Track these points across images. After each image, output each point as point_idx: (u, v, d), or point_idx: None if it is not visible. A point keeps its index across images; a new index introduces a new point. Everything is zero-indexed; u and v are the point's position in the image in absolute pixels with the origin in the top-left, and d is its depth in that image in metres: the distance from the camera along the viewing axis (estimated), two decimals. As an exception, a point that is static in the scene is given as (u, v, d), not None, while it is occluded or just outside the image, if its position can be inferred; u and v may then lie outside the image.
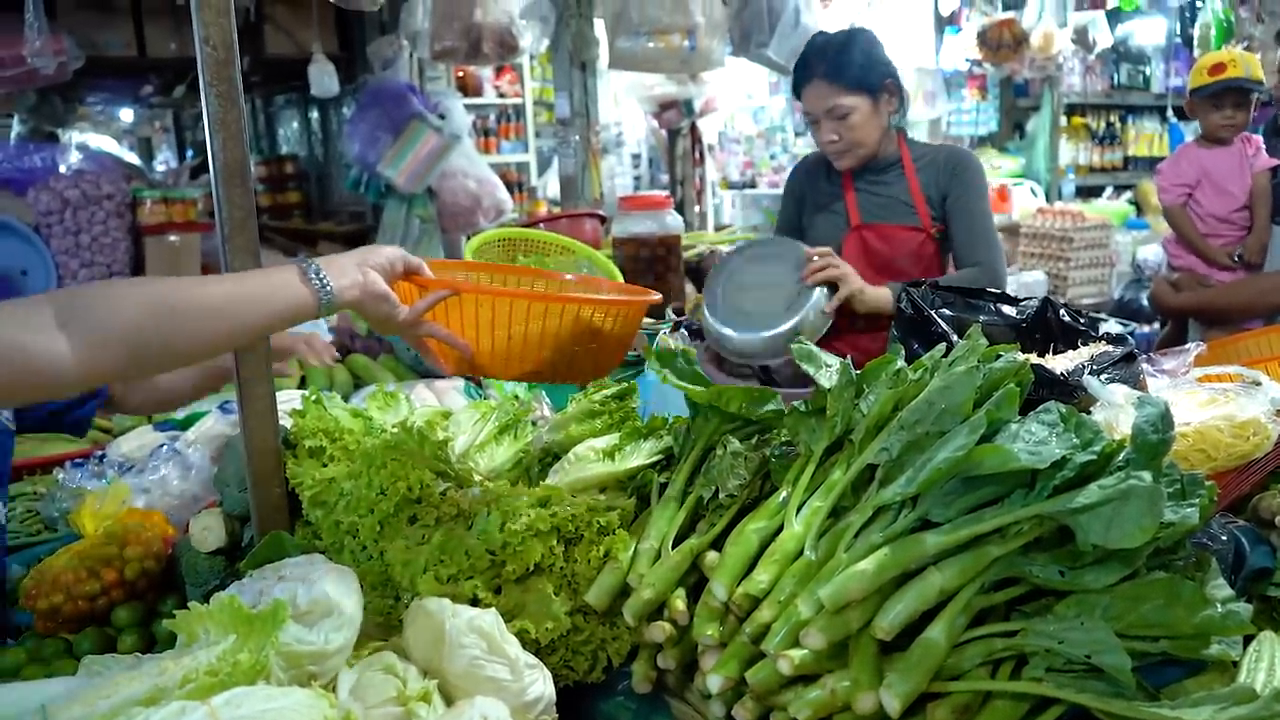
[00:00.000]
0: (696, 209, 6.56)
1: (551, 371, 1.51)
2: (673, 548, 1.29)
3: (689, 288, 3.43)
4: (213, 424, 2.16)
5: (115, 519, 1.78)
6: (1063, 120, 7.38)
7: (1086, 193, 7.54)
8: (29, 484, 2.25)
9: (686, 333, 2.43)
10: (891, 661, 1.08)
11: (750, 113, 8.75)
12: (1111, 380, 1.52)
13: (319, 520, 1.47)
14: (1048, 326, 1.84)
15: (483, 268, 1.78)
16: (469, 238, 4.53)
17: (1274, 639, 1.13)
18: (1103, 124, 7.76)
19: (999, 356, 1.31)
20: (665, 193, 4.10)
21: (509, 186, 5.99)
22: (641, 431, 1.55)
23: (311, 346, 1.87)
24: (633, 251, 3.15)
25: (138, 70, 6.48)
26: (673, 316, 2.91)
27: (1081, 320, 1.83)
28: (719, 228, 7.05)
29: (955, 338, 1.68)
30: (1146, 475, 1.04)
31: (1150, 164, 7.59)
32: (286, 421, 1.61)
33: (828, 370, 1.38)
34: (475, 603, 1.23)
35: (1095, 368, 1.57)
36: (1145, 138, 7.85)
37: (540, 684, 1.13)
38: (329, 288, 1.22)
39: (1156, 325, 4.61)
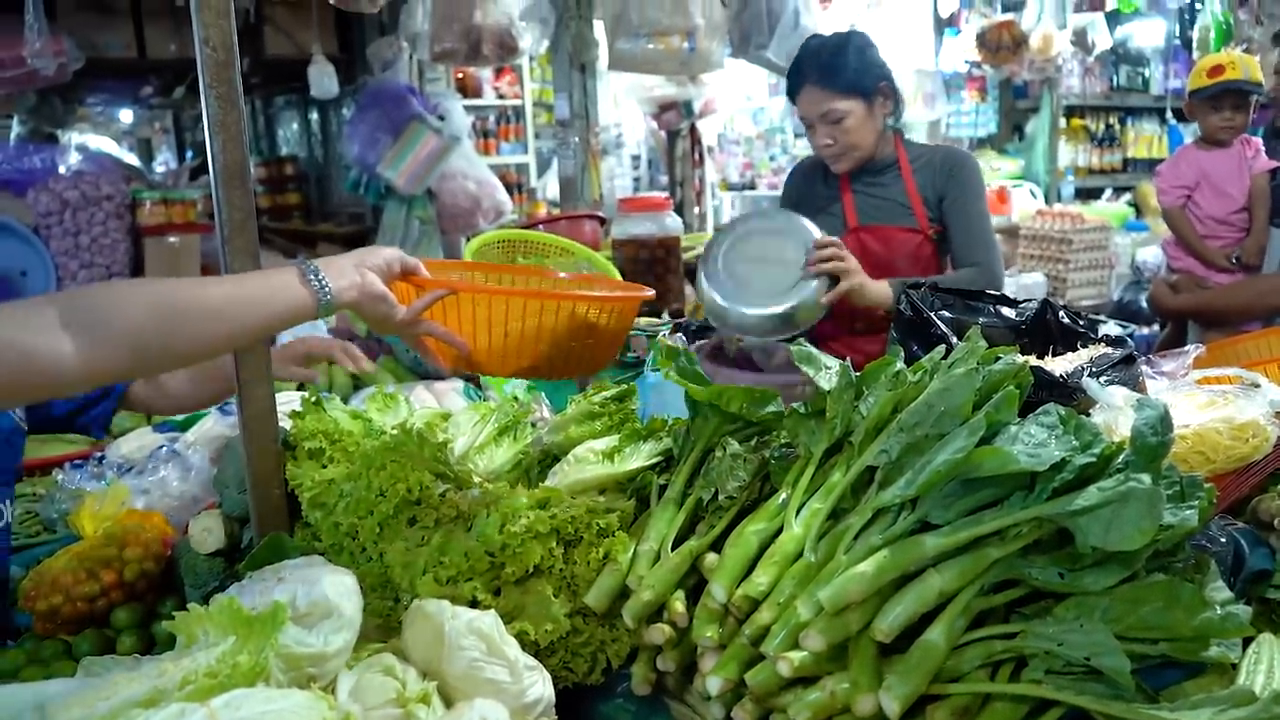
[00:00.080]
0: (696, 210, 6.56)
1: (548, 367, 1.53)
2: (672, 549, 1.29)
3: (688, 289, 3.43)
4: (212, 425, 2.16)
5: (114, 520, 1.78)
6: (1062, 122, 7.38)
7: (1086, 194, 7.54)
8: (28, 485, 2.25)
9: (685, 335, 2.43)
10: (891, 663, 1.08)
11: (749, 114, 8.76)
12: (1111, 382, 1.52)
13: (318, 522, 1.47)
14: (1047, 328, 1.84)
15: (479, 267, 1.81)
16: (468, 239, 4.53)
17: (1273, 641, 1.13)
18: (1102, 126, 7.77)
19: (998, 359, 1.31)
20: (665, 194, 4.11)
21: (508, 188, 5.99)
22: (641, 433, 1.55)
23: (348, 352, 1.86)
24: (632, 253, 3.15)
25: (137, 71, 6.48)
26: (669, 318, 2.91)
27: (1081, 322, 1.83)
28: (718, 229, 7.04)
29: (955, 340, 1.68)
30: (1146, 478, 1.04)
31: (1149, 166, 7.59)
32: (286, 423, 1.61)
33: (827, 372, 1.38)
34: (475, 604, 1.23)
35: (1094, 370, 1.57)
36: (1144, 139, 7.86)
37: (540, 686, 1.13)
38: (328, 289, 1.23)
39: (1156, 327, 4.61)
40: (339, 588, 1.10)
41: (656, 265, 3.06)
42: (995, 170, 7.08)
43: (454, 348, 1.44)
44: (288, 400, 1.95)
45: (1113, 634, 1.02)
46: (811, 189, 2.66)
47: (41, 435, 2.25)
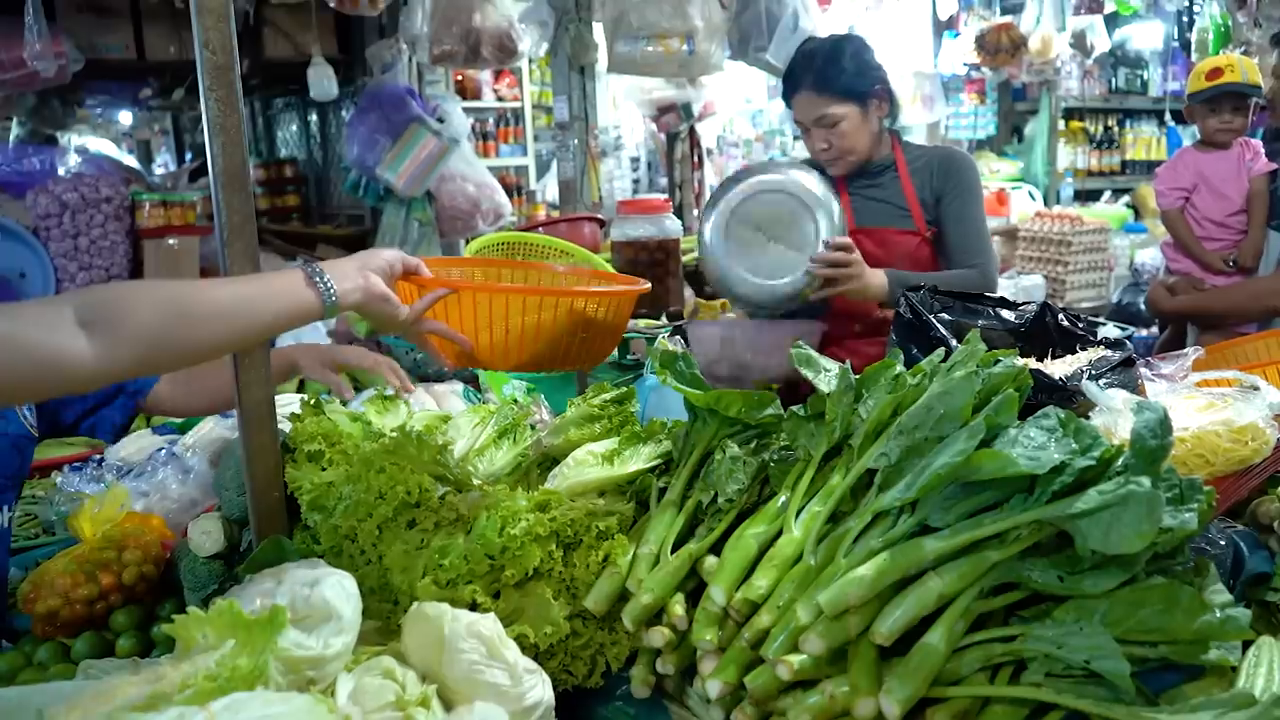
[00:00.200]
0: (695, 212, 6.55)
1: (549, 360, 1.56)
2: (671, 552, 1.29)
3: (687, 291, 3.44)
4: (211, 428, 2.15)
5: (113, 523, 1.77)
6: (1061, 124, 7.39)
7: (1084, 196, 7.55)
8: (27, 487, 2.25)
9: (684, 339, 2.43)
10: (890, 667, 1.08)
11: (749, 116, 8.77)
12: (1110, 385, 1.52)
13: (317, 524, 1.47)
14: (1046, 331, 1.84)
15: (477, 263, 1.83)
16: (468, 241, 4.53)
17: (1273, 644, 1.13)
18: (1101, 128, 7.77)
19: (998, 361, 1.31)
20: (664, 196, 4.10)
21: (508, 190, 5.99)
22: (640, 436, 1.55)
23: (394, 371, 1.86)
24: (631, 255, 3.15)
25: (137, 73, 6.47)
26: (668, 320, 2.91)
27: (1080, 325, 1.83)
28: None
29: (954, 342, 1.68)
30: (1145, 480, 1.04)
31: (1148, 168, 7.60)
32: (285, 426, 1.61)
33: (826, 375, 1.38)
34: (474, 607, 1.23)
35: (1094, 372, 1.57)
36: (1143, 142, 7.86)
37: (539, 689, 1.13)
38: (332, 291, 1.27)
39: (1155, 329, 4.62)
40: (338, 591, 1.10)
41: (656, 267, 3.05)
42: (994, 172, 7.09)
43: (457, 344, 1.48)
44: (287, 403, 1.96)
45: (1112, 637, 1.02)
46: None
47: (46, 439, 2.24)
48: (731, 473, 1.35)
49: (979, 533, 1.11)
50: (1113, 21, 7.03)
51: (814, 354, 1.43)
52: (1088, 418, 1.38)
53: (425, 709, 1.04)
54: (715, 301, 3.67)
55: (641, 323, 2.76)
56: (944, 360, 1.35)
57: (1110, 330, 1.79)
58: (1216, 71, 3.50)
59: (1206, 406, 1.45)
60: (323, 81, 5.26)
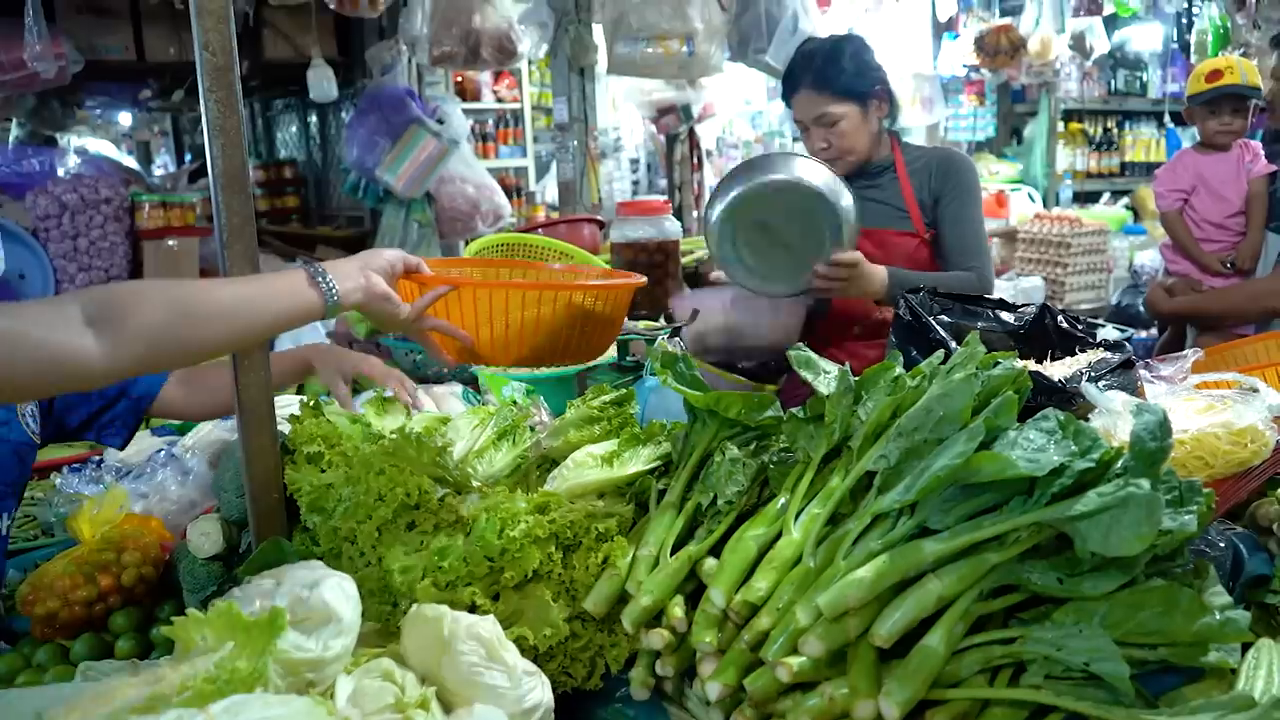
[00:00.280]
0: (695, 214, 6.55)
1: (549, 354, 1.59)
2: (671, 554, 1.29)
3: (687, 292, 3.43)
4: (210, 429, 2.16)
5: (113, 524, 1.78)
6: (1060, 126, 7.39)
7: (1084, 198, 7.55)
8: (26, 488, 2.25)
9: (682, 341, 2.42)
10: (890, 669, 1.08)
11: (748, 118, 8.77)
12: (1109, 387, 1.52)
13: (317, 526, 1.47)
14: (1045, 333, 1.84)
15: (476, 263, 1.85)
16: (467, 243, 4.53)
17: (1272, 646, 1.13)
18: (1100, 130, 7.77)
19: (997, 363, 1.31)
20: (663, 198, 4.10)
21: (507, 191, 5.99)
22: (640, 438, 1.55)
23: (403, 384, 1.86)
24: (630, 257, 3.15)
25: (136, 74, 6.47)
26: (667, 322, 2.90)
27: (1079, 326, 1.83)
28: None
29: (953, 344, 1.68)
30: (1145, 483, 1.04)
31: (1147, 170, 7.60)
32: (284, 427, 1.61)
33: (826, 377, 1.38)
34: (473, 609, 1.23)
35: (1093, 374, 1.57)
36: (1142, 143, 7.86)
37: (538, 691, 1.12)
38: (334, 290, 1.29)
39: (1154, 331, 4.62)
40: (337, 592, 1.10)
41: (655, 269, 3.05)
42: (993, 174, 7.09)
43: (458, 341, 1.50)
44: (286, 404, 1.95)
45: (1112, 639, 1.02)
46: None
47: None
48: (731, 474, 1.35)
49: (978, 535, 1.11)
50: (1112, 23, 7.04)
51: (813, 356, 1.43)
52: (1087, 420, 1.38)
53: (424, 711, 1.04)
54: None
55: (641, 324, 2.76)
56: (943, 362, 1.35)
57: (1109, 332, 1.79)
58: (1216, 74, 3.50)
59: (1206, 409, 1.45)
60: (322, 83, 5.26)
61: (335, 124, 6.86)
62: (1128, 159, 7.86)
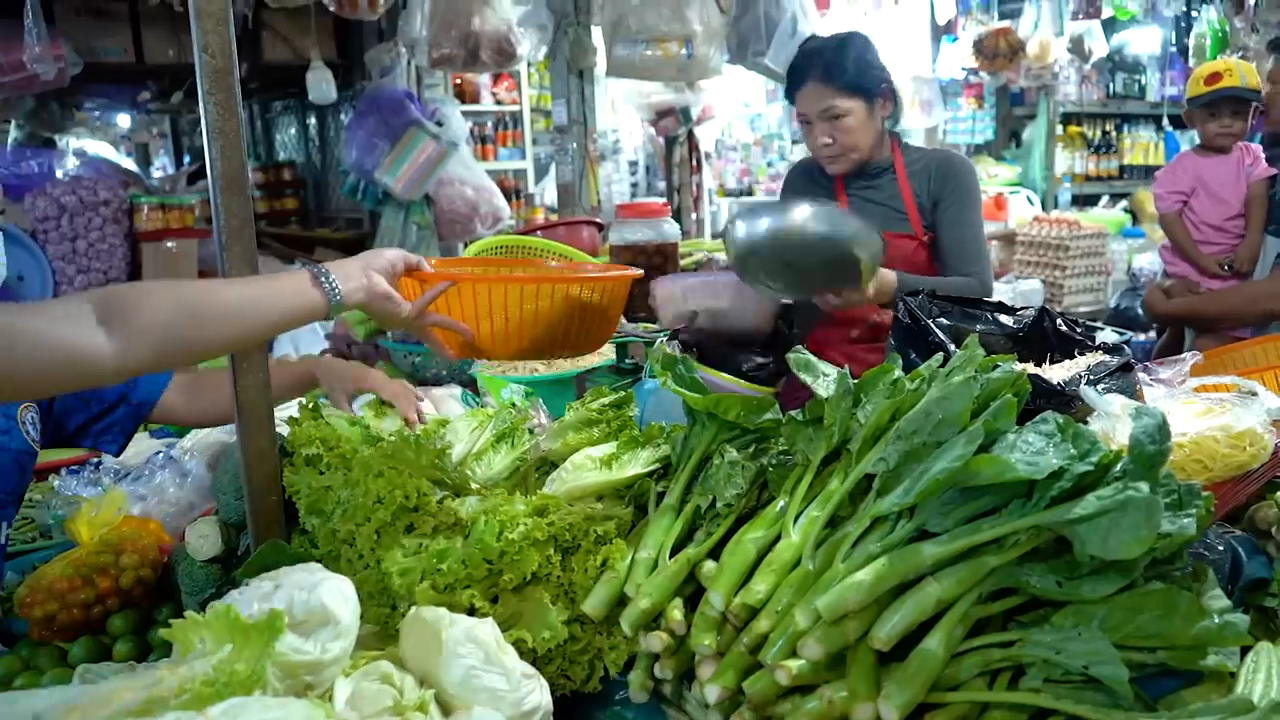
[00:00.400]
0: (693, 216, 6.55)
1: (549, 346, 1.61)
2: (670, 557, 1.29)
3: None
4: (209, 432, 2.15)
5: (111, 526, 1.77)
6: (1059, 129, 7.39)
7: (1082, 201, 7.55)
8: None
9: (680, 345, 2.42)
10: (889, 672, 1.08)
11: (747, 120, 8.78)
12: (1108, 390, 1.52)
13: (315, 528, 1.46)
14: (1044, 336, 1.85)
15: (475, 263, 1.86)
16: (466, 245, 4.53)
17: (1271, 649, 1.13)
18: (1098, 133, 7.78)
19: (996, 366, 1.31)
20: (662, 200, 4.10)
21: (506, 193, 5.99)
22: (639, 440, 1.55)
23: (409, 400, 1.85)
24: (629, 259, 3.15)
25: (135, 76, 6.47)
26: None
27: (1078, 329, 1.83)
28: (716, 235, 7.05)
29: (952, 347, 1.68)
30: (1144, 486, 1.04)
31: (1146, 173, 7.61)
32: (283, 429, 1.61)
33: (825, 380, 1.38)
34: (472, 612, 1.23)
35: (1092, 378, 1.57)
36: (1141, 146, 7.86)
37: (537, 694, 1.12)
38: (337, 290, 1.32)
39: (1153, 333, 4.62)
40: (336, 595, 1.10)
41: (654, 271, 3.05)
42: (992, 177, 7.09)
43: (460, 335, 1.52)
44: (284, 407, 1.95)
45: (1111, 642, 1.02)
46: (809, 190, 2.65)
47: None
48: (730, 477, 1.35)
49: (977, 538, 1.11)
50: (1110, 26, 7.04)
51: (812, 359, 1.43)
52: (1086, 423, 1.38)
53: (423, 714, 1.04)
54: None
55: (639, 326, 2.76)
56: (942, 365, 1.35)
57: (1108, 335, 1.79)
58: (1215, 76, 3.51)
59: (1205, 412, 1.46)
60: (321, 85, 5.27)
61: (334, 126, 6.86)
62: (1126, 162, 7.87)
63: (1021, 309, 1.93)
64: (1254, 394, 1.48)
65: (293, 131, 7.66)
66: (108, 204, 4.49)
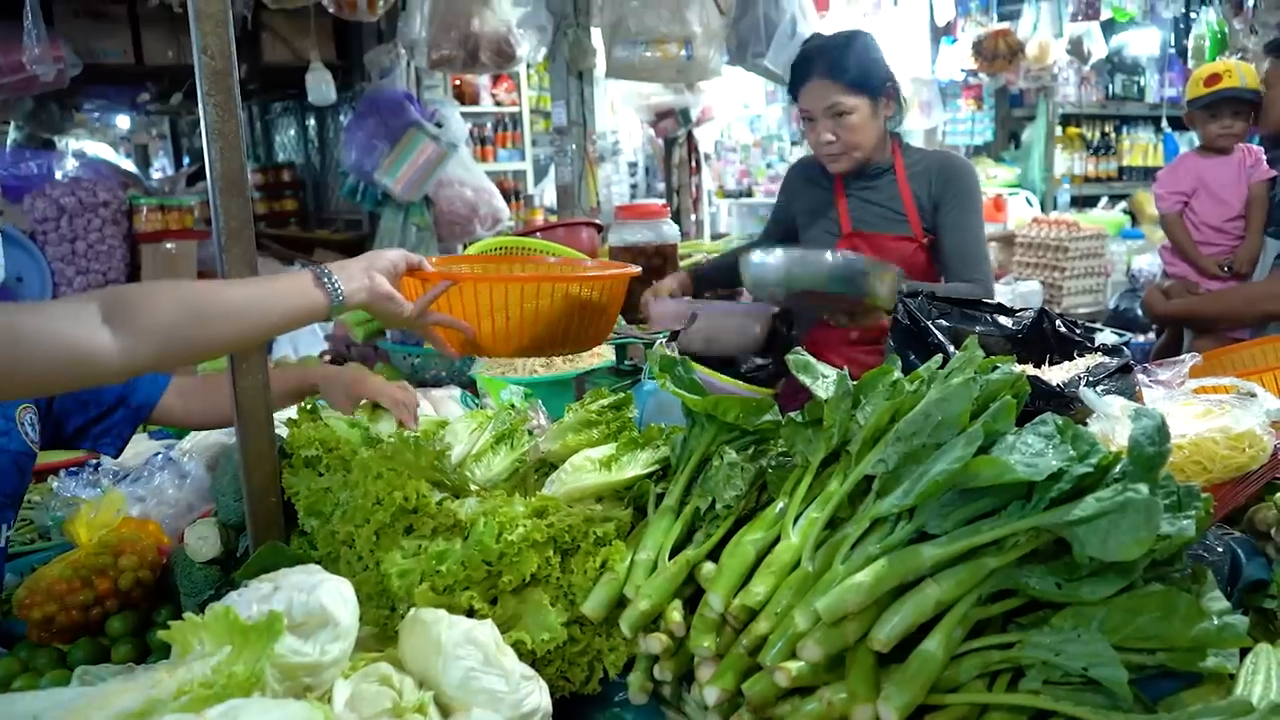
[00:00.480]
0: (693, 218, 6.55)
1: (549, 343, 1.63)
2: (669, 559, 1.29)
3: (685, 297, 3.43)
4: (208, 433, 2.15)
5: (110, 528, 1.77)
6: (1058, 130, 7.39)
7: (1081, 203, 7.56)
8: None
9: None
10: (888, 674, 1.08)
11: (746, 122, 8.78)
12: (1107, 392, 1.52)
13: (315, 530, 1.46)
14: (1044, 337, 1.84)
15: (476, 260, 1.89)
16: (466, 246, 4.52)
17: (1270, 651, 1.13)
18: (1098, 134, 7.78)
19: (995, 368, 1.31)
20: (661, 201, 4.10)
21: (506, 195, 5.99)
22: (638, 442, 1.55)
23: (407, 407, 1.84)
24: (629, 260, 3.15)
25: (135, 78, 6.47)
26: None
27: (1077, 331, 1.83)
28: (715, 237, 7.06)
29: (952, 349, 1.68)
30: (1143, 487, 1.04)
31: (1145, 174, 7.61)
32: (282, 431, 1.61)
33: (824, 381, 1.38)
34: (471, 614, 1.23)
35: (1091, 379, 1.57)
36: (1140, 148, 7.87)
37: (536, 695, 1.12)
38: (339, 290, 1.33)
39: (1152, 335, 4.62)
40: (335, 597, 1.10)
41: (653, 273, 3.05)
42: (991, 178, 7.09)
43: (461, 334, 1.53)
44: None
45: (1110, 644, 1.02)
46: (808, 190, 2.65)
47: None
48: (729, 479, 1.35)
49: (977, 539, 1.11)
50: (1109, 28, 7.04)
51: (812, 360, 1.43)
52: (1085, 424, 1.38)
53: (422, 715, 1.04)
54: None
55: (638, 328, 2.76)
56: (942, 367, 1.35)
57: (1107, 336, 1.79)
58: (1215, 77, 3.51)
59: (1204, 413, 1.45)
60: (321, 86, 5.26)
61: (334, 127, 6.86)
62: (1125, 163, 7.87)
63: (1020, 310, 1.93)
64: (1253, 395, 1.48)
65: (292, 133, 7.67)
66: (107, 205, 4.49)
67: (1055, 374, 1.67)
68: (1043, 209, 7.07)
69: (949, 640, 1.07)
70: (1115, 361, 1.64)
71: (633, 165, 8.20)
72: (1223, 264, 3.52)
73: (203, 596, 1.54)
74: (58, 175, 4.63)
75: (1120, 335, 1.83)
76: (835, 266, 2.16)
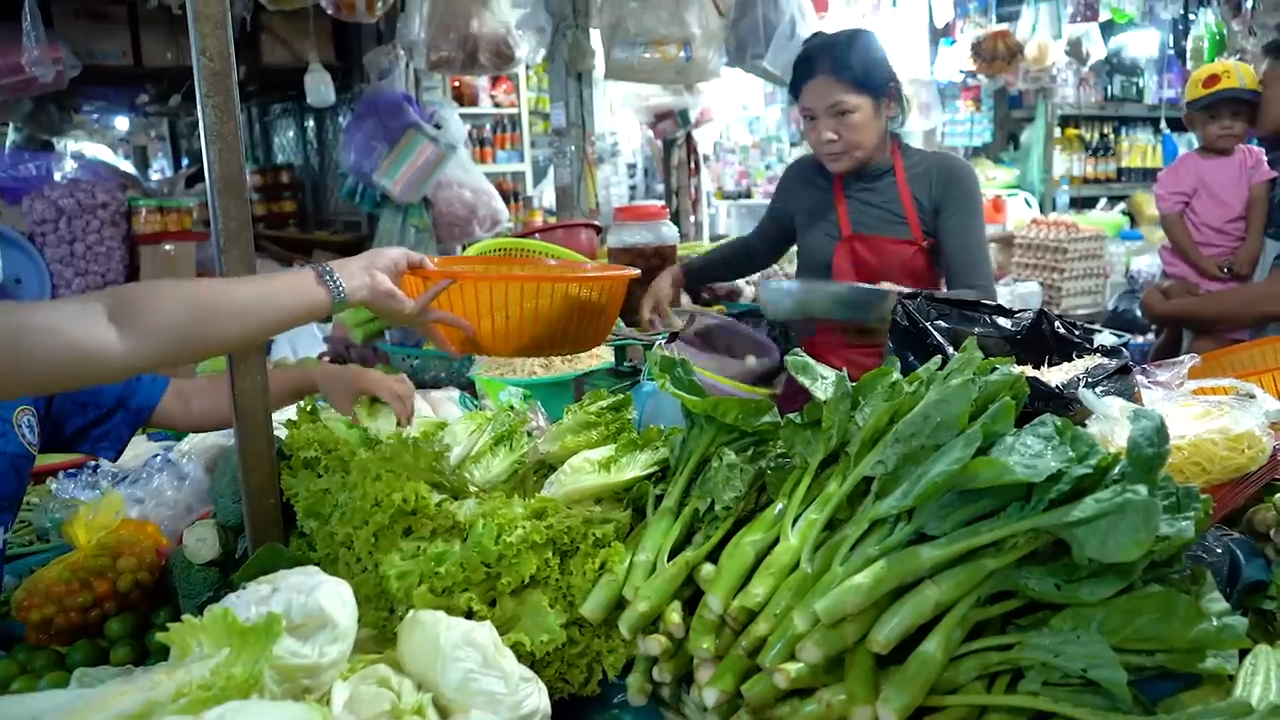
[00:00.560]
0: (692, 219, 6.55)
1: (549, 343, 1.63)
2: (668, 560, 1.29)
3: (685, 298, 3.43)
4: (207, 434, 2.15)
5: (108, 530, 1.77)
6: (1056, 131, 7.40)
7: (1080, 204, 7.57)
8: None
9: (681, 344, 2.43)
10: (887, 675, 1.08)
11: (745, 123, 8.78)
12: (1106, 393, 1.52)
13: (313, 532, 1.46)
14: (1042, 338, 1.84)
15: (476, 260, 1.90)
16: (464, 248, 4.52)
17: (1269, 652, 1.13)
18: (1096, 135, 7.79)
19: (994, 369, 1.31)
20: (660, 203, 4.10)
21: (504, 196, 5.99)
22: (637, 443, 1.55)
23: (404, 401, 1.84)
24: (628, 261, 3.15)
25: (134, 79, 6.47)
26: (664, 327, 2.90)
27: (1076, 332, 1.83)
28: (714, 238, 7.05)
29: (950, 350, 1.68)
30: (1142, 489, 1.04)
31: (1144, 175, 7.62)
32: (281, 432, 1.61)
33: (823, 383, 1.38)
34: (470, 615, 1.23)
35: (1090, 380, 1.57)
36: (1138, 149, 7.88)
37: (535, 697, 1.12)
38: (341, 289, 1.35)
39: (1151, 336, 4.62)
40: (334, 598, 1.09)
41: (652, 274, 3.05)
42: (990, 179, 7.10)
43: (461, 332, 1.54)
44: (283, 410, 1.95)
45: (1109, 645, 1.02)
46: (806, 191, 2.64)
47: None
48: (728, 480, 1.35)
49: (976, 541, 1.11)
50: (1108, 29, 7.05)
51: (811, 362, 1.43)
52: (1084, 425, 1.38)
53: (421, 717, 1.04)
54: (711, 308, 3.67)
55: (638, 330, 2.76)
56: (941, 368, 1.35)
57: (1106, 337, 1.79)
58: (1214, 78, 3.51)
59: (1203, 414, 1.45)
60: (320, 88, 5.26)
61: (333, 129, 6.86)
62: (1124, 164, 7.88)
63: (1019, 311, 1.93)
64: (1252, 396, 1.48)
65: (291, 134, 7.66)
66: (105, 207, 4.49)
67: (1054, 375, 1.67)
68: (1041, 210, 7.08)
69: (948, 642, 1.07)
70: (1114, 363, 1.64)
71: (632, 167, 8.19)
72: (1223, 265, 3.52)
73: (201, 598, 1.54)
74: (56, 177, 4.63)
75: (1119, 336, 1.83)
76: (848, 294, 2.24)
